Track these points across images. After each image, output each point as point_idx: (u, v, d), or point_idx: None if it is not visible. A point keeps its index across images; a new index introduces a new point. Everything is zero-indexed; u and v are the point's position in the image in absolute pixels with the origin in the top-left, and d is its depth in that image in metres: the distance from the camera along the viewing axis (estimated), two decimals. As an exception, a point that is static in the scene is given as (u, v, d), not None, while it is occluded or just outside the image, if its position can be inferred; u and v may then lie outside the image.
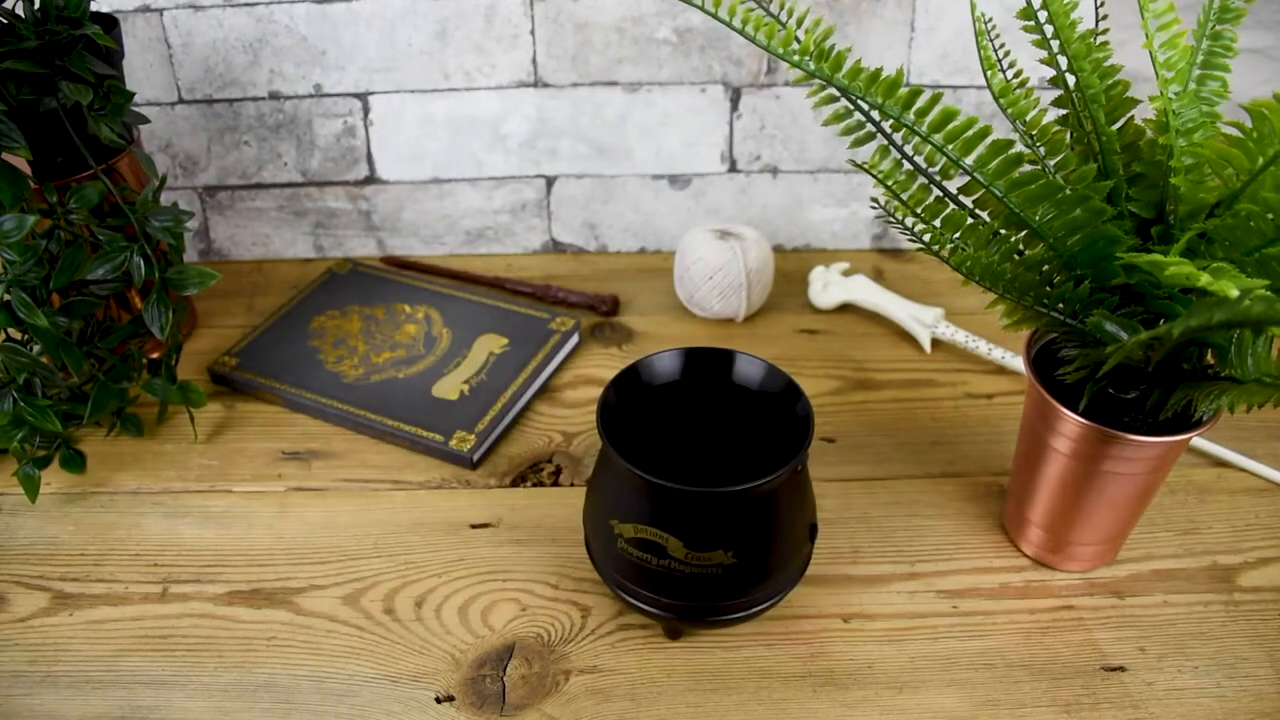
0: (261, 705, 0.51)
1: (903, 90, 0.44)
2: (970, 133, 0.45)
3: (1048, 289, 0.48)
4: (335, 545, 0.60)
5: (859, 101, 0.46)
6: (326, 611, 0.56)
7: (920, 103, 0.45)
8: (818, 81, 0.46)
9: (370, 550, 0.60)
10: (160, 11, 0.77)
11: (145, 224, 0.63)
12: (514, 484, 0.65)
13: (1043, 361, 0.55)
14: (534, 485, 0.65)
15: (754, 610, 0.51)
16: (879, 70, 0.44)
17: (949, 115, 0.45)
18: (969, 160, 0.46)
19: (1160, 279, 0.43)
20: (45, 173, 0.63)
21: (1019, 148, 0.46)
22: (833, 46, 0.44)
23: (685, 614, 0.50)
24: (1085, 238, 0.46)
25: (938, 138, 0.45)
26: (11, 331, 0.59)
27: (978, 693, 0.51)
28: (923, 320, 0.77)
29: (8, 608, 0.57)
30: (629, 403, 0.53)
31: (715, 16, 0.44)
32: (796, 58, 0.44)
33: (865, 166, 0.50)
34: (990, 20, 0.52)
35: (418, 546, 0.60)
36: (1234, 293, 0.35)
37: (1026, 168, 0.46)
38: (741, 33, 0.44)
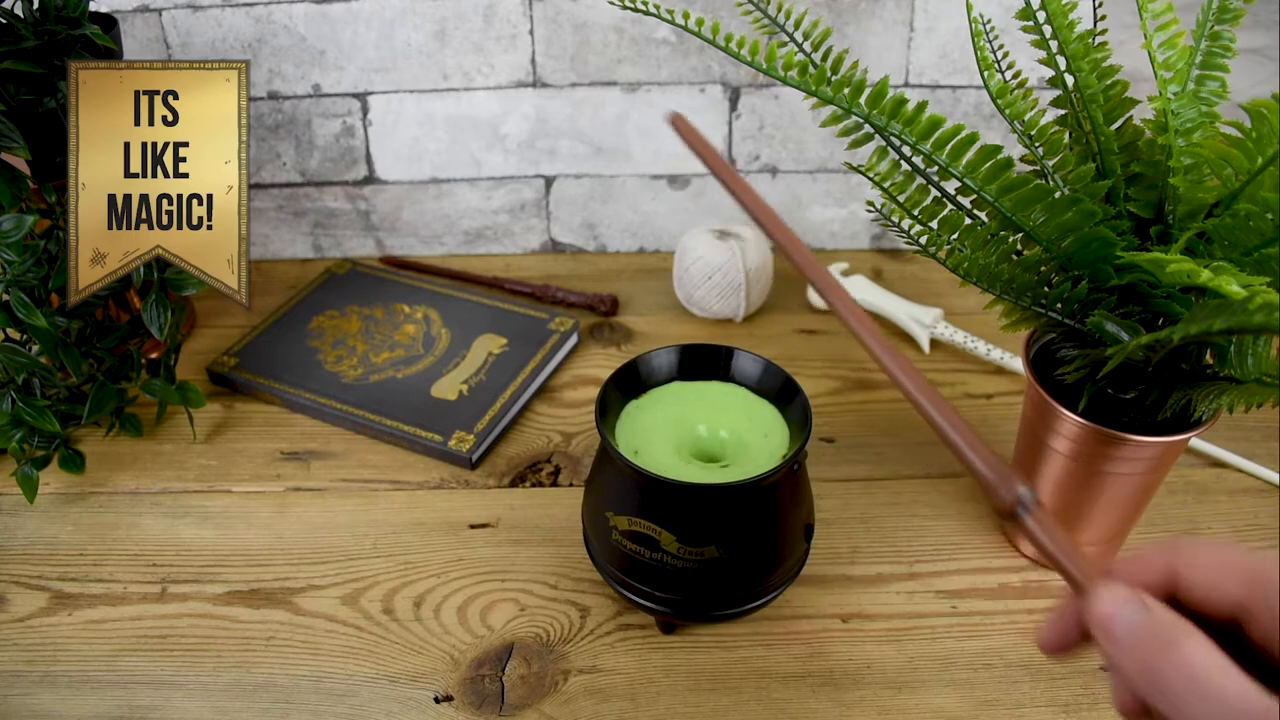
0: (260, 705, 0.51)
1: (887, 99, 0.44)
2: (958, 139, 0.45)
3: (1046, 289, 0.48)
4: (334, 545, 0.60)
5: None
6: (325, 611, 0.56)
7: (906, 111, 0.45)
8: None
9: (369, 550, 0.60)
10: (159, 11, 0.77)
11: (144, 224, 0.63)
12: (513, 484, 0.65)
13: (1042, 362, 0.54)
14: (533, 485, 0.65)
15: (747, 608, 0.51)
16: (862, 81, 0.44)
17: (936, 123, 0.45)
18: (959, 166, 0.46)
19: (1160, 277, 0.43)
20: (45, 173, 0.63)
21: (1008, 152, 0.46)
22: (829, 50, 0.44)
23: (678, 608, 0.50)
24: (1079, 239, 0.46)
25: (926, 145, 0.45)
26: (10, 331, 0.59)
27: (977, 693, 0.51)
28: (921, 321, 0.77)
29: (7, 608, 0.57)
30: (627, 398, 0.53)
31: (700, 36, 0.44)
32: (781, 73, 0.44)
33: (862, 170, 0.50)
34: (989, 21, 0.52)
35: (416, 546, 0.60)
36: (1234, 288, 0.35)
37: (1023, 168, 0.46)
38: (726, 50, 0.44)
